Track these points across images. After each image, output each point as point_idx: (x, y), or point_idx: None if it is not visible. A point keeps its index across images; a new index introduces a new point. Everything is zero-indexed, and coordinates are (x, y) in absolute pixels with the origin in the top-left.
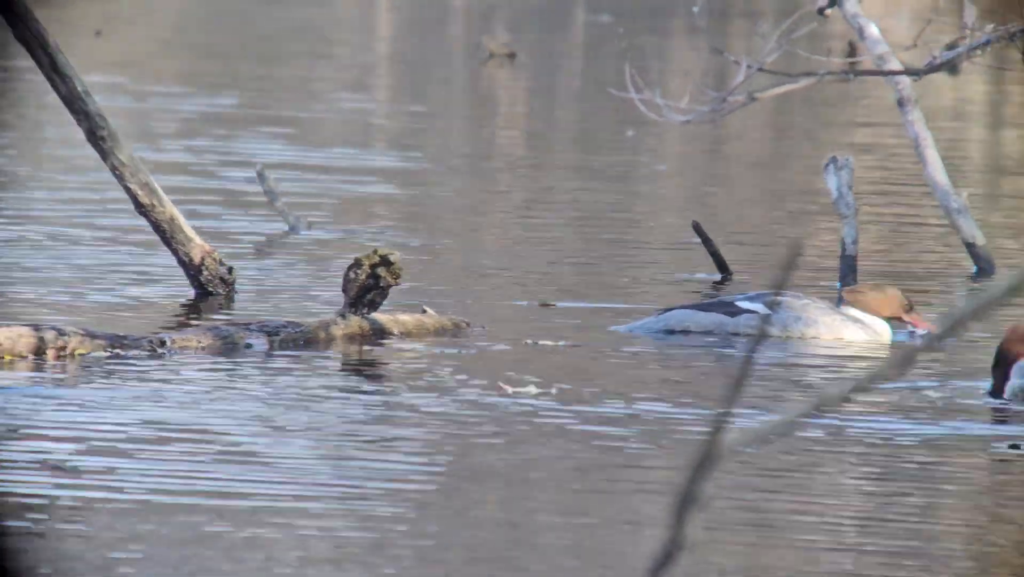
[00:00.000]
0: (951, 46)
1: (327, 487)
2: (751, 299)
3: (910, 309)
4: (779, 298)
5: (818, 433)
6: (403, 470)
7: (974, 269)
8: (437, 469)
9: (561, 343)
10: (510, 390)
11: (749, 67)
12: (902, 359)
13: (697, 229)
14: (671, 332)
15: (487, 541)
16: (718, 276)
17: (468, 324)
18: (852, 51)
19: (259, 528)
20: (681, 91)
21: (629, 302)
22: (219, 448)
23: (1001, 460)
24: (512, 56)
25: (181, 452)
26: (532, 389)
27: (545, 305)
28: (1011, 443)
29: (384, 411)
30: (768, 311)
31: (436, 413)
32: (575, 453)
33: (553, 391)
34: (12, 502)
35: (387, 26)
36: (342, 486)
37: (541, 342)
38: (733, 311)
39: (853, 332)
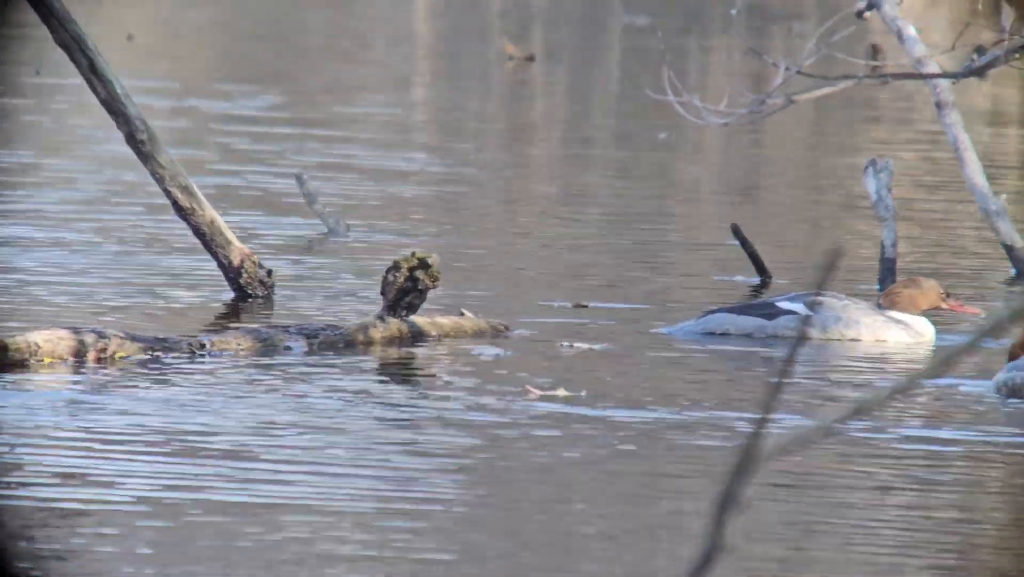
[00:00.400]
0: (979, 50)
1: (360, 491)
2: (791, 300)
3: (948, 297)
4: (819, 299)
5: (851, 436)
6: (432, 474)
7: (1012, 272)
8: (466, 475)
9: (598, 345)
10: (538, 393)
11: (787, 69)
12: (942, 361)
13: (736, 232)
14: (711, 334)
15: (523, 546)
16: (757, 279)
17: (506, 327)
18: (875, 54)
19: (292, 530)
20: (718, 94)
21: (668, 304)
22: (255, 449)
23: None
24: (531, 59)
25: (217, 452)
26: (562, 392)
27: (580, 306)
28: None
29: (416, 413)
30: (808, 312)
31: (467, 417)
32: (603, 458)
33: (583, 393)
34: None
35: (426, 31)
36: (374, 491)
37: (577, 344)
38: (772, 313)
39: (895, 333)
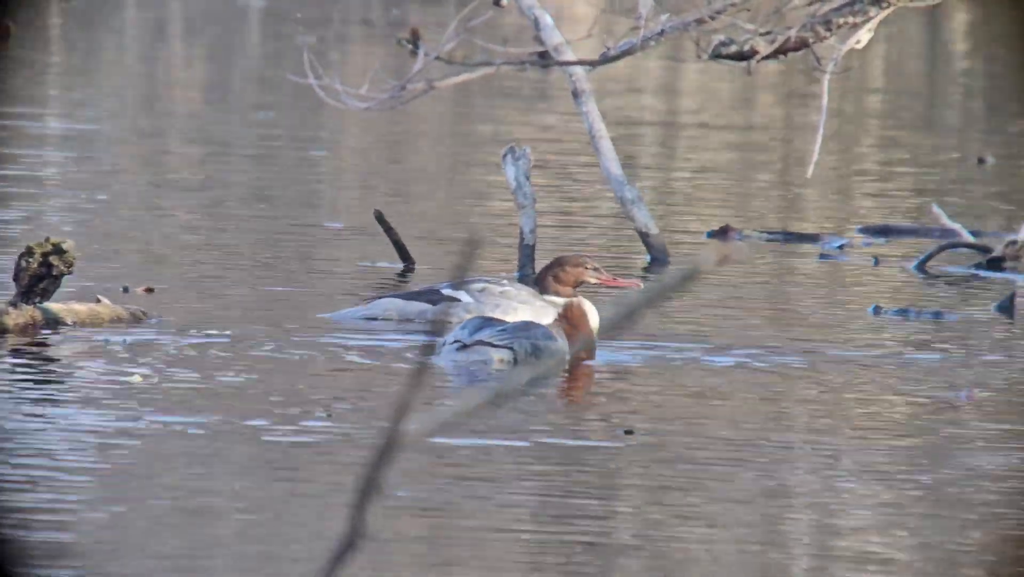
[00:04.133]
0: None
1: None
2: (455, 287)
3: (596, 270)
4: (473, 286)
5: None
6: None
7: (647, 259)
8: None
9: (229, 330)
10: (140, 377)
11: (427, 55)
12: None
13: (379, 218)
14: (374, 320)
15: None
16: (400, 265)
17: (145, 314)
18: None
19: None
20: (361, 79)
21: (318, 289)
22: None
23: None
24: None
25: None
26: (137, 377)
27: (148, 290)
28: (625, 428)
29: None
30: (471, 299)
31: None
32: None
33: (154, 379)
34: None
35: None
36: None
37: (197, 330)
38: (435, 299)
39: (553, 317)
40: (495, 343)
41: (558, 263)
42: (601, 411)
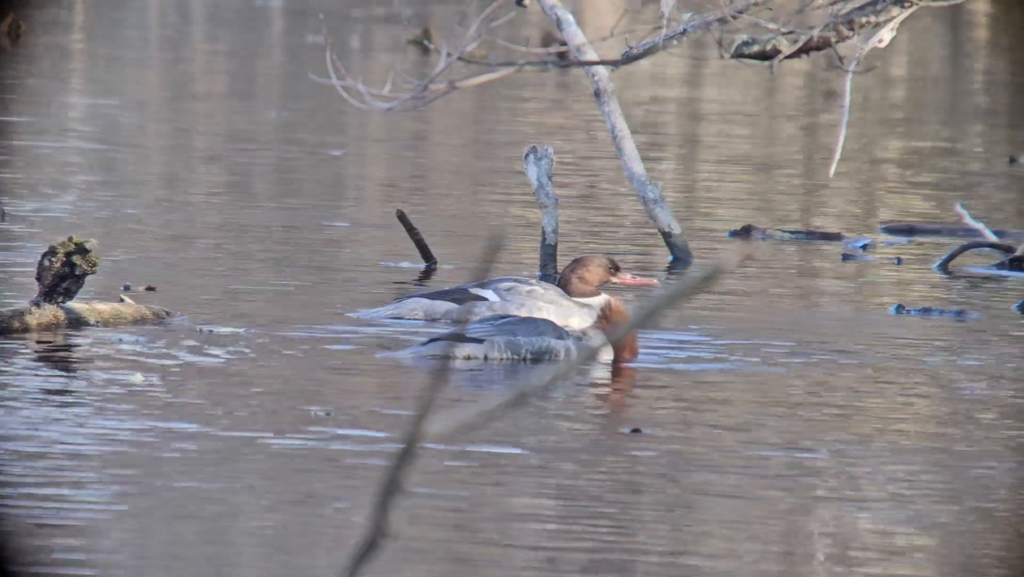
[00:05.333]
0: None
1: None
2: (482, 286)
3: (617, 270)
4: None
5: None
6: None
7: (670, 258)
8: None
9: (242, 329)
10: (141, 378)
11: (449, 55)
12: (591, 351)
13: (401, 218)
14: (401, 319)
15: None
16: (423, 265)
17: (168, 313)
18: (549, 41)
19: None
20: (383, 79)
21: (343, 289)
22: None
23: None
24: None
25: None
26: (139, 377)
27: (150, 289)
28: (633, 428)
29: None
30: (498, 298)
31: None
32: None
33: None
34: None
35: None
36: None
37: (216, 329)
38: (463, 298)
39: (579, 319)
40: (468, 336)
41: (581, 263)
42: (619, 412)
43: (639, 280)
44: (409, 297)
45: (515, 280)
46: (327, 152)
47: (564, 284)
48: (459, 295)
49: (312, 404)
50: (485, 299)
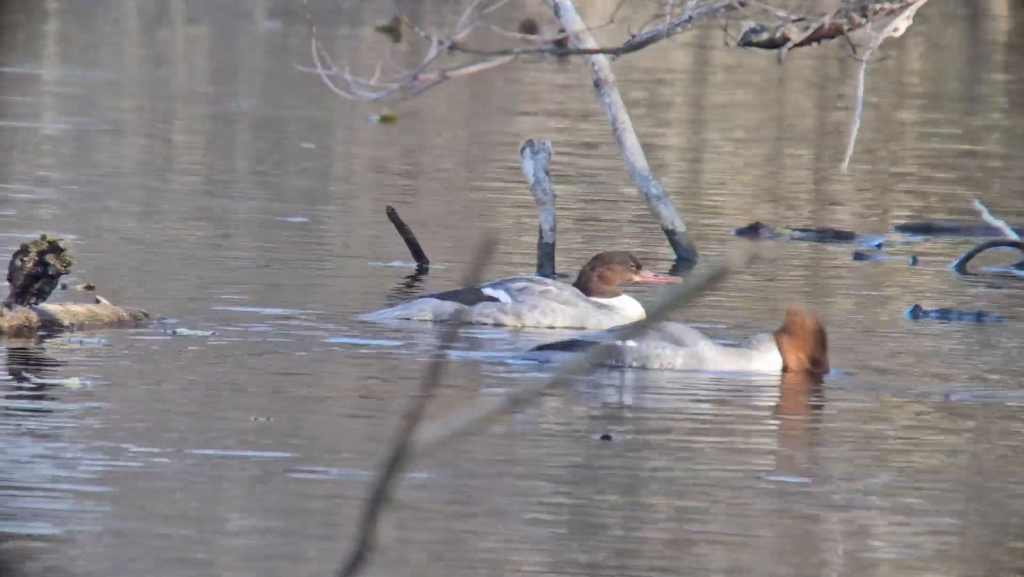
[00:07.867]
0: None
1: None
2: (494, 287)
3: (639, 268)
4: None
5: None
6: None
7: (675, 257)
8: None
9: (210, 332)
10: (78, 383)
11: (440, 43)
12: (596, 354)
13: (392, 215)
14: (409, 320)
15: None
16: (414, 264)
17: (146, 314)
18: (532, 30)
19: None
20: (371, 70)
21: (336, 290)
22: None
23: None
24: None
25: None
26: (75, 381)
27: (88, 288)
28: (603, 433)
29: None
30: (510, 298)
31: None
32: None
33: (89, 384)
34: None
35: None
36: None
37: (193, 332)
38: (474, 299)
39: (595, 320)
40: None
41: (602, 261)
42: (627, 417)
43: (662, 278)
44: (418, 297)
45: (528, 279)
46: (304, 144)
47: (583, 283)
48: (469, 295)
49: (265, 413)
50: (496, 299)
